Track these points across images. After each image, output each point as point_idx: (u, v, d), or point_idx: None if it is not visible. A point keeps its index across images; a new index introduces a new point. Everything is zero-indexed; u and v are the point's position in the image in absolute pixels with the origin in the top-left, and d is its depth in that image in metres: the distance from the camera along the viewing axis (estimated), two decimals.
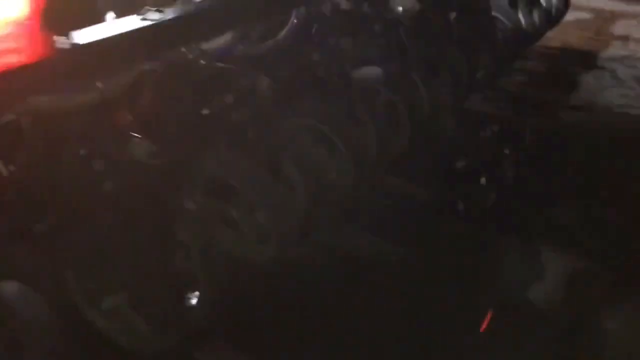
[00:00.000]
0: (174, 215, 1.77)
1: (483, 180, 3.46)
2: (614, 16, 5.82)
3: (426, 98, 2.86)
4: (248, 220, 2.02)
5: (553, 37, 4.93)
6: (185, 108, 1.84)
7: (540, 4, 4.14)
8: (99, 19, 1.70)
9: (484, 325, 2.39)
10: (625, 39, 5.24)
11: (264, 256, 2.10)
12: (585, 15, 5.85)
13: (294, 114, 2.22)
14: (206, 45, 2.07)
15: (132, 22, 1.54)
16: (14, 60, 1.30)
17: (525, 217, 3.01)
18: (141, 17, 1.56)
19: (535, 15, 4.04)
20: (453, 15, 3.34)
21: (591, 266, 2.67)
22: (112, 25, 1.53)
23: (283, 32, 2.35)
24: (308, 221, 2.27)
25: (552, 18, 4.34)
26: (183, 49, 1.95)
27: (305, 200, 2.21)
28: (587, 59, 4.86)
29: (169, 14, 1.57)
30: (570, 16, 5.07)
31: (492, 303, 2.47)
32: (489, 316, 2.44)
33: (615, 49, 5.04)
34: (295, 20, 2.29)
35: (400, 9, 2.82)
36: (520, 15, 3.88)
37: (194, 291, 1.84)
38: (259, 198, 1.97)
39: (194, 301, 1.84)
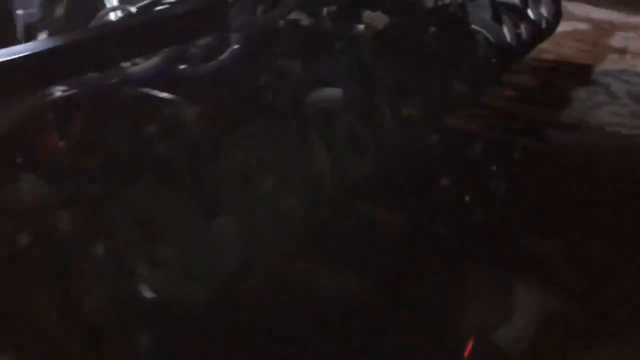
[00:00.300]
0: (78, 261, 1.60)
1: (464, 200, 3.30)
2: (613, 28, 5.61)
3: (391, 118, 2.67)
4: (173, 258, 1.84)
5: (547, 49, 4.74)
6: (94, 140, 1.67)
7: (528, 17, 3.94)
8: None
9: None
10: (622, 52, 5.03)
11: (195, 298, 1.92)
12: (583, 26, 5.65)
13: (232, 144, 2.04)
14: (132, 69, 1.91)
15: None
16: None
17: (502, 247, 2.82)
18: None
19: (522, 29, 3.84)
20: (430, 30, 3.17)
21: (568, 305, 2.48)
22: None
23: (226, 53, 2.18)
24: (251, 254, 2.09)
25: (542, 31, 4.13)
26: (102, 73, 1.79)
27: (244, 232, 2.03)
28: (581, 73, 4.65)
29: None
30: (568, 27, 4.89)
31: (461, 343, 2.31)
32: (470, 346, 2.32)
33: (611, 63, 4.82)
34: (237, 45, 2.13)
35: (362, 26, 2.65)
36: (505, 29, 3.69)
37: (105, 342, 1.67)
38: (182, 233, 1.80)
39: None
